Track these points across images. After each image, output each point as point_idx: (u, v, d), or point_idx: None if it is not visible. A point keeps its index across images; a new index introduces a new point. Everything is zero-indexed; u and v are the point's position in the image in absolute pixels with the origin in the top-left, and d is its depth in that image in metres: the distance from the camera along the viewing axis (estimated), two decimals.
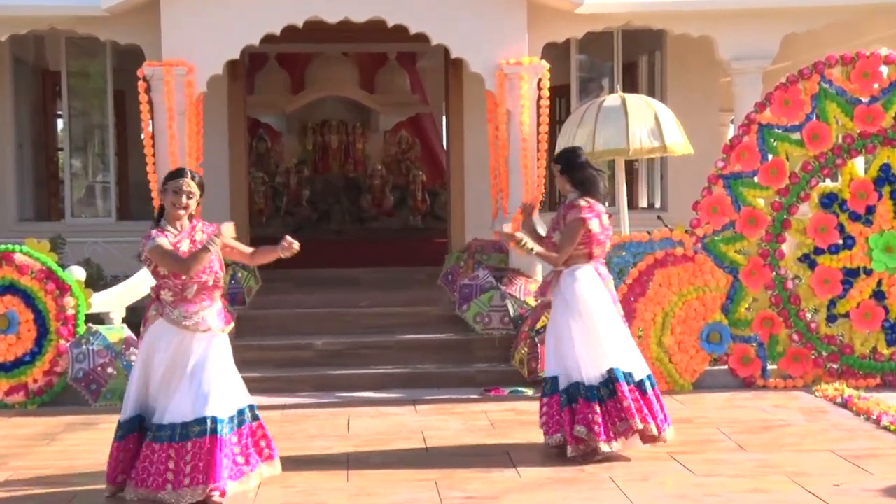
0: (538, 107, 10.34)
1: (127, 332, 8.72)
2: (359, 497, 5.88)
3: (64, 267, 8.92)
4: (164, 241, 5.77)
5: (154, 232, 5.84)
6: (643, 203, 14.07)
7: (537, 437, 6.99)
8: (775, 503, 5.70)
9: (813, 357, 8.96)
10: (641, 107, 9.80)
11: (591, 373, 6.52)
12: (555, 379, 6.59)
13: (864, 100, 8.94)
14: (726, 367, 9.00)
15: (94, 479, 6.25)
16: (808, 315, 9.04)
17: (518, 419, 7.76)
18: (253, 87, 17.26)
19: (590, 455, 6.46)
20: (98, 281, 10.21)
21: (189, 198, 5.85)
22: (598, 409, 6.46)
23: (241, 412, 5.82)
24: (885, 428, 7.26)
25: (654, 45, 13.20)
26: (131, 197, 13.84)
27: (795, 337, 8.94)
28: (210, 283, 5.81)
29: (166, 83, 9.99)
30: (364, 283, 11.97)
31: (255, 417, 5.90)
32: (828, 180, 9.17)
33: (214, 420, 5.59)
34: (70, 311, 8.68)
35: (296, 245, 5.96)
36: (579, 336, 6.54)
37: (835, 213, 9.01)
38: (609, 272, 6.90)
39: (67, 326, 8.66)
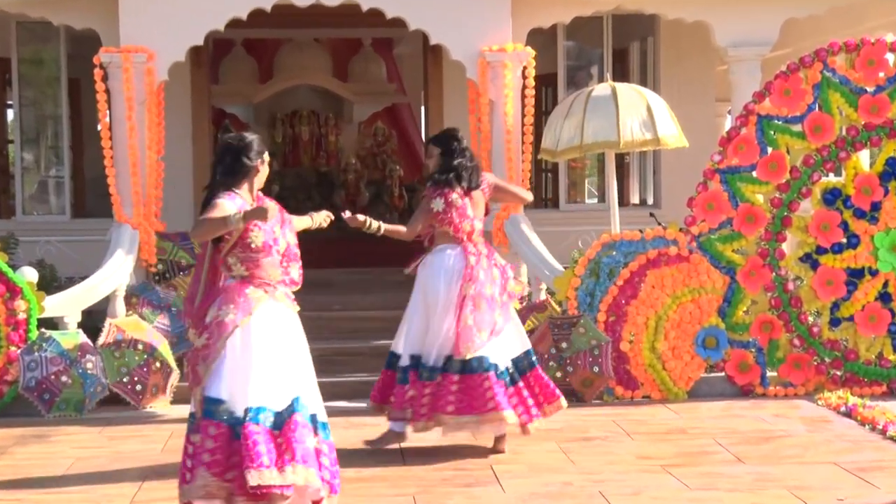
0: (523, 97, 10.35)
1: (82, 337, 8.67)
2: None
3: (14, 268, 8.86)
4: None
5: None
6: (634, 199, 14.09)
7: (522, 448, 7.00)
8: None
9: (815, 363, 8.99)
10: (633, 97, 9.81)
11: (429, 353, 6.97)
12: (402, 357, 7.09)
13: (870, 89, 8.98)
14: (723, 374, 9.02)
15: (46, 495, 6.20)
16: (810, 318, 9.07)
17: None
18: (218, 75, 17.20)
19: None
20: (51, 283, 10.16)
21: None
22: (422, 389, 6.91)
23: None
24: (891, 438, 7.30)
25: (646, 30, 13.22)
26: (87, 193, 13.77)
27: (796, 342, 8.97)
28: None
29: (125, 71, 9.94)
30: (337, 284, 11.92)
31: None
32: (831, 175, 9.20)
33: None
34: (21, 316, 8.63)
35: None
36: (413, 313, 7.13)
37: (838, 210, 9.05)
38: (503, 262, 7.27)
39: (18, 332, 8.61)
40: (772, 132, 9.01)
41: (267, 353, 5.44)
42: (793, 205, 9.02)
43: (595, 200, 15.09)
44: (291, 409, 5.44)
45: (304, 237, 6.12)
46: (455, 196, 7.08)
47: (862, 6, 11.46)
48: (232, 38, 16.78)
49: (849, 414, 8.04)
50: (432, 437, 7.55)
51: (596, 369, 8.68)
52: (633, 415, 8.29)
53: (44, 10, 10.63)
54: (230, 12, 10.21)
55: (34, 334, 8.65)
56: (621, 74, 12.88)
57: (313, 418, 5.56)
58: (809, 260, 9.07)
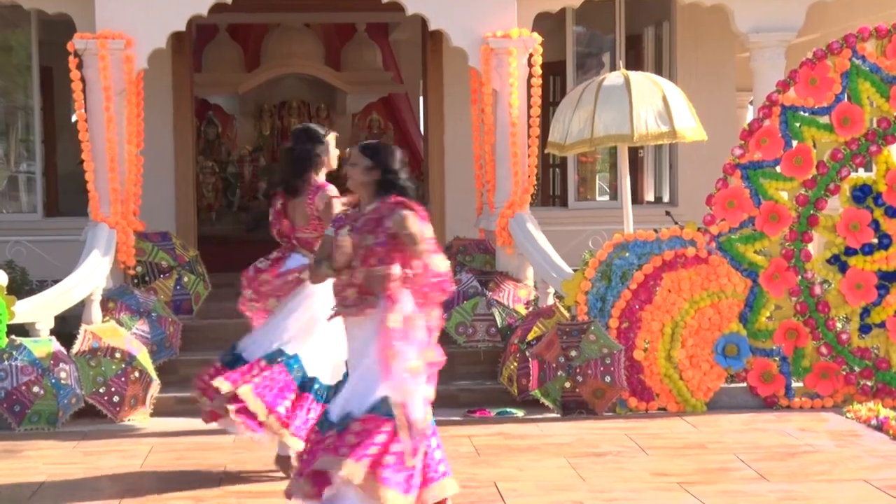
0: (529, 86, 10.34)
1: (56, 345, 8.66)
2: None
3: None
4: None
5: None
6: (649, 197, 14.09)
7: (528, 464, 6.99)
8: None
9: (844, 373, 9.00)
10: (647, 86, 9.81)
11: None
12: None
13: None
14: (745, 384, 9.02)
15: None
16: (839, 325, 9.07)
17: (507, 444, 7.75)
18: (201, 63, 17.21)
19: None
20: (22, 286, 10.15)
21: None
22: None
23: None
24: None
25: (661, 14, 13.23)
26: (60, 190, 13.76)
27: (824, 350, 8.97)
28: None
29: (101, 58, 9.93)
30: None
31: None
32: (860, 170, 9.20)
33: None
34: None
35: None
36: None
37: (868, 209, 9.05)
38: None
39: None
40: (797, 124, 9.01)
41: None
42: (819, 202, 9.02)
43: (606, 198, 15.10)
44: None
45: None
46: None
47: None
48: (216, 23, 16.79)
49: (880, 427, 8.04)
50: None
51: (608, 379, 8.68)
52: (648, 428, 8.29)
53: None
54: None
55: (3, 342, 8.63)
56: (635, 62, 12.88)
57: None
58: (837, 262, 9.07)
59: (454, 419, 8.61)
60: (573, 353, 8.69)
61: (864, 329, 9.06)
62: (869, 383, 8.99)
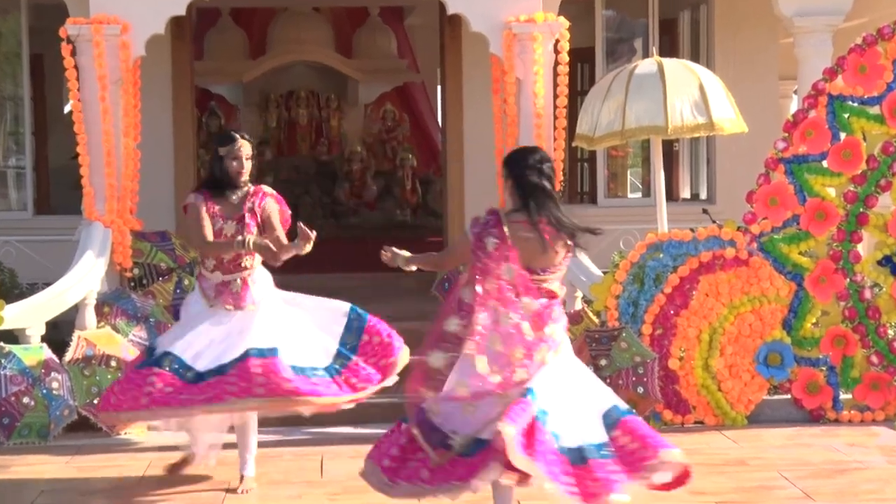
0: (555, 74, 10.33)
1: (47, 353, 8.68)
2: None
3: None
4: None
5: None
6: (685, 194, 14.08)
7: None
8: None
9: None
10: (683, 74, 9.80)
11: None
12: None
13: None
14: (789, 396, 9.01)
15: None
16: (891, 332, 9.05)
17: None
18: (202, 50, 17.26)
19: None
20: (12, 289, 10.18)
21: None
22: None
23: None
24: None
25: None
26: (52, 186, 13.81)
27: (875, 359, 8.95)
28: None
29: (96, 45, 9.96)
30: (340, 292, 11.86)
31: None
32: None
33: None
34: None
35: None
36: None
37: None
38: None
39: None
40: (845, 115, 8.99)
41: None
42: (869, 200, 9.00)
43: (639, 195, 15.09)
44: None
45: None
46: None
47: None
48: (218, 8, 16.84)
49: None
50: None
51: (640, 390, 8.66)
52: (684, 443, 8.18)
53: None
54: None
55: None
56: (669, 48, 12.87)
57: None
58: (889, 264, 9.05)
59: None
60: (603, 362, 8.67)
61: None
62: None
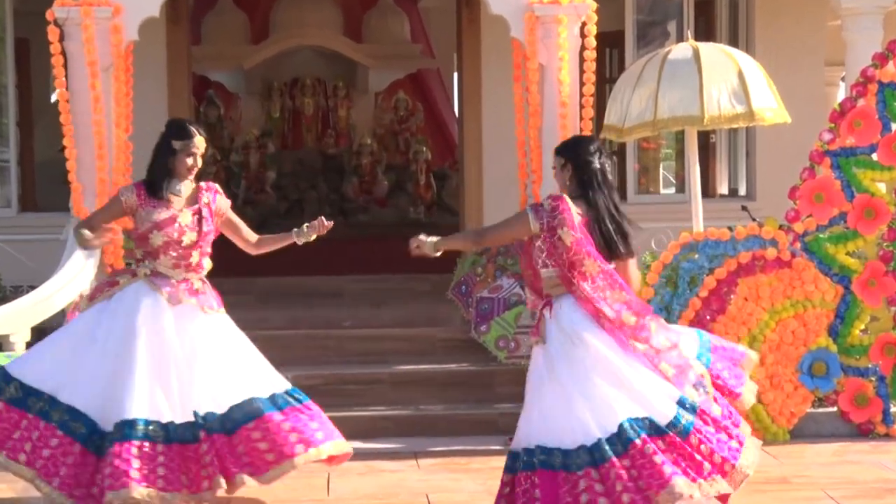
0: (581, 60, 10.32)
1: None
2: None
3: None
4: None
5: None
6: (722, 189, 14.07)
7: None
8: None
9: None
10: (720, 60, 9.78)
11: None
12: None
13: None
14: (835, 408, 9.00)
15: None
16: None
17: None
18: (200, 34, 17.29)
19: None
20: None
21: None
22: None
23: None
24: None
25: None
26: (38, 180, 13.84)
27: None
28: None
29: (85, 28, 9.97)
30: (348, 295, 11.95)
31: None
32: None
33: None
34: None
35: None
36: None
37: None
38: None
39: None
40: None
41: None
42: None
43: (672, 190, 15.06)
44: None
45: None
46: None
47: None
48: None
49: None
50: (468, 488, 7.58)
51: None
52: None
53: None
54: None
55: None
56: (705, 32, 12.86)
57: None
58: None
59: (494, 448, 8.58)
60: None
61: None
62: None
